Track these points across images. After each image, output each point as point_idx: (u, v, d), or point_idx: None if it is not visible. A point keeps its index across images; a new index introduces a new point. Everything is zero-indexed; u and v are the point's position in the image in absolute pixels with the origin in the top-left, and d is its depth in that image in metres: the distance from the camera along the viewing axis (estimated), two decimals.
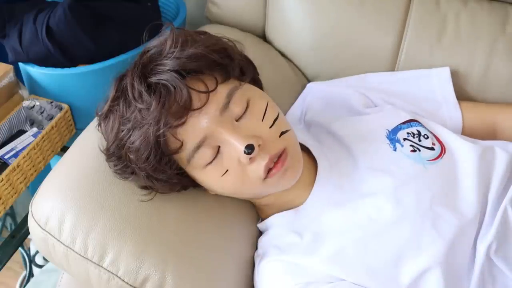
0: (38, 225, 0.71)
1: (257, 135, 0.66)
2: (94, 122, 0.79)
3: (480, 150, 0.76)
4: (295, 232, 0.74)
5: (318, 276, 0.68)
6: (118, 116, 0.67)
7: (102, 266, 0.68)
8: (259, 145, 0.65)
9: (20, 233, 1.00)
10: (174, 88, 0.64)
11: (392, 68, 0.98)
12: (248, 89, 0.70)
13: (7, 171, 0.91)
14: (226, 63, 0.69)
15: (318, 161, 0.77)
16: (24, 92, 1.07)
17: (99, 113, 0.72)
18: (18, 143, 0.98)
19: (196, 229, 0.72)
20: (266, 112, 0.68)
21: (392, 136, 0.79)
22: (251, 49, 0.79)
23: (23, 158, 0.94)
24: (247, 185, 0.68)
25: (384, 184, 0.73)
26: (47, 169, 0.90)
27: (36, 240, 0.73)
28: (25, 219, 1.03)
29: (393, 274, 0.66)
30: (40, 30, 0.97)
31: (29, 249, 1.28)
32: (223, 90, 0.67)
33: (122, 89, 0.68)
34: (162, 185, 0.70)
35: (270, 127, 0.68)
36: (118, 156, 0.70)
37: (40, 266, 1.28)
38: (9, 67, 1.00)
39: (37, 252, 1.32)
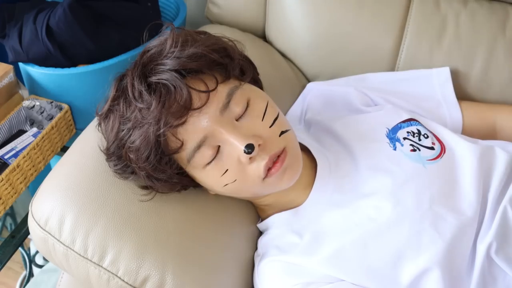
0: (38, 225, 0.71)
1: (257, 134, 0.66)
2: (94, 122, 0.79)
3: (480, 150, 0.76)
4: (295, 232, 0.74)
5: (318, 276, 0.68)
6: (118, 116, 0.67)
7: (102, 266, 0.68)
8: (259, 145, 0.65)
9: (20, 233, 0.99)
10: (174, 87, 0.64)
11: (392, 68, 0.98)
12: (248, 88, 0.70)
13: (7, 171, 0.91)
14: (226, 62, 0.69)
15: (317, 161, 0.77)
16: (24, 92, 1.07)
17: (99, 113, 0.72)
18: (18, 143, 0.98)
19: (196, 229, 0.72)
20: (266, 111, 0.68)
21: (392, 135, 0.79)
22: (251, 49, 0.79)
23: (23, 158, 0.94)
24: (247, 185, 0.68)
25: (384, 184, 0.72)
26: (47, 169, 0.90)
27: (36, 240, 0.73)
28: (25, 219, 1.03)
29: (393, 274, 0.66)
30: (40, 30, 0.97)
31: (29, 249, 1.28)
32: (223, 90, 0.67)
33: (122, 88, 0.68)
34: (162, 184, 0.70)
35: (270, 126, 0.68)
36: (118, 156, 0.70)
37: (40, 266, 1.28)
38: (9, 67, 1.00)
39: (37, 252, 1.32)
